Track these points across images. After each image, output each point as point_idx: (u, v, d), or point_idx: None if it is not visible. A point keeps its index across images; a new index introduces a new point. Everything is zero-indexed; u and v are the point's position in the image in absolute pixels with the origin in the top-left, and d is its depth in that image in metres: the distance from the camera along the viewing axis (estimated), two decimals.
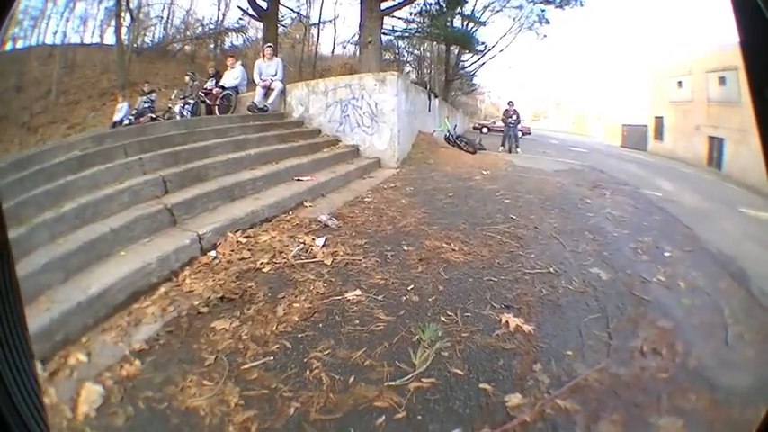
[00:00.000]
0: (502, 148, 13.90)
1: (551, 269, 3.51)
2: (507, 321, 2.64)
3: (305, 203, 5.34)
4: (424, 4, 25.90)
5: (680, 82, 31.42)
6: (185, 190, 4.96)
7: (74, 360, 2.72)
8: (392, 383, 2.12)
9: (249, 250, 3.95)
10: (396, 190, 6.25)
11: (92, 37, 31.66)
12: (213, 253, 3.93)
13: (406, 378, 2.16)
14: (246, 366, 2.36)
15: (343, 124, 8.95)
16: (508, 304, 2.88)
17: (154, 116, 12.28)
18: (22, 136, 17.03)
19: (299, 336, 2.55)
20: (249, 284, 3.27)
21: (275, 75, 10.23)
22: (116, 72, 21.86)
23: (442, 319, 2.67)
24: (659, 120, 33.02)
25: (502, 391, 2.10)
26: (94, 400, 2.40)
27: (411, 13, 27.18)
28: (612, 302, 3.25)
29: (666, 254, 4.45)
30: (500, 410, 2.00)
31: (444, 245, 3.83)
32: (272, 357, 2.42)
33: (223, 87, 10.83)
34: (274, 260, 3.60)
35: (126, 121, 12.63)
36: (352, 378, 2.17)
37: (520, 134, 15.61)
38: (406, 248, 3.77)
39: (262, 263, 3.61)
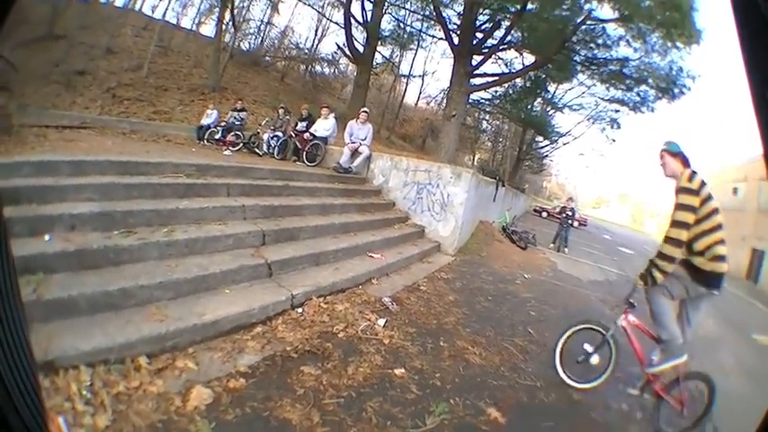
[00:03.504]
0: (552, 245, 14.59)
1: (539, 384, 4.37)
2: (490, 413, 3.68)
3: (373, 280, 6.18)
4: (509, 86, 27.15)
5: (735, 188, 31.30)
6: (280, 246, 5.79)
7: (182, 364, 3.37)
8: (410, 430, 3.28)
9: (328, 315, 4.77)
10: (447, 283, 7.11)
11: (191, 24, 32.68)
12: (300, 310, 4.73)
13: (419, 429, 3.32)
14: (326, 401, 3.36)
15: (416, 204, 9.84)
16: (496, 402, 3.85)
17: (241, 135, 13.09)
18: (105, 100, 17.10)
19: (361, 390, 3.62)
20: (327, 344, 4.14)
21: (364, 139, 10.90)
22: (208, 71, 22.26)
23: (451, 401, 3.71)
24: None
25: None
26: (205, 399, 3.04)
27: (496, 92, 28.49)
28: (570, 419, 4.02)
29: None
30: None
31: (470, 347, 4.76)
32: (342, 399, 3.43)
33: (313, 135, 11.48)
34: (347, 330, 4.54)
35: (213, 129, 13.69)
36: (389, 422, 3.31)
37: (576, 224, 16.16)
38: (441, 344, 4.73)
39: (337, 329, 4.50)
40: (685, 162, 4.04)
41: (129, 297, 3.75)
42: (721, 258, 3.80)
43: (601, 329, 4.57)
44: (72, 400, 2.67)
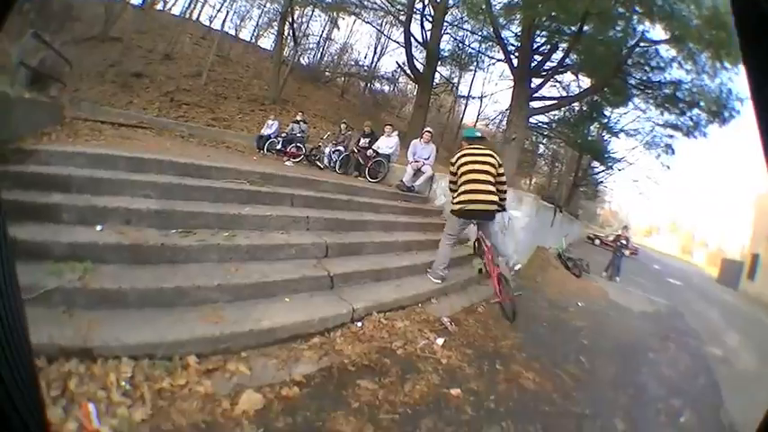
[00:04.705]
0: (605, 273, 14.51)
1: (587, 412, 4.40)
2: None
3: (432, 299, 6.19)
4: (566, 110, 27.01)
5: None
6: (343, 260, 5.87)
7: (233, 368, 3.35)
8: None
9: (387, 332, 4.81)
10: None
11: (250, 36, 34.59)
12: (359, 324, 4.75)
13: None
14: (381, 417, 3.39)
15: None
16: (545, 428, 3.89)
17: (302, 147, 13.31)
18: (163, 103, 17.82)
19: (417, 407, 3.68)
20: (385, 360, 4.19)
21: (428, 158, 10.91)
22: (269, 83, 22.91)
23: (502, 424, 3.76)
24: (755, 257, 32.19)
25: None
26: (255, 404, 3.01)
27: (554, 116, 28.33)
28: None
29: (681, 419, 5.06)
30: None
31: (524, 371, 4.81)
32: (398, 416, 3.48)
33: (377, 152, 11.59)
34: (405, 347, 4.59)
35: (274, 140, 13.91)
36: None
37: (627, 252, 16.07)
38: (497, 367, 4.79)
39: (396, 346, 4.55)
40: (467, 143, 6.98)
41: (183, 296, 3.80)
42: (459, 202, 6.36)
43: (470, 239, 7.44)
44: (108, 390, 2.69)
